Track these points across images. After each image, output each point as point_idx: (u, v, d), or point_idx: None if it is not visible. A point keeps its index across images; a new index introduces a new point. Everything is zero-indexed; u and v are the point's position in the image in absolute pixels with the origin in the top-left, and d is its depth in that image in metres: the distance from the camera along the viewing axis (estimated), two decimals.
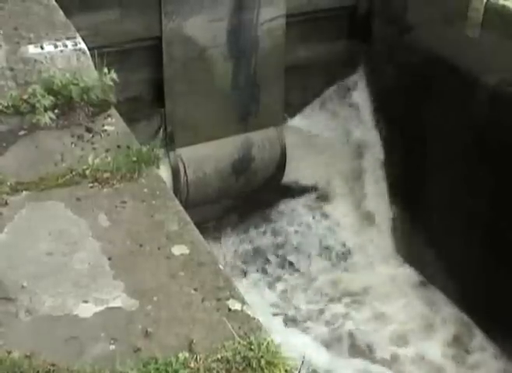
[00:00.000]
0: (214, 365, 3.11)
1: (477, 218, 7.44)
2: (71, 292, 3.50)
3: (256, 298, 7.63)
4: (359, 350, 7.69)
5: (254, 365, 3.08)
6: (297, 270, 8.46)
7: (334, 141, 9.00)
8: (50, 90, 4.96)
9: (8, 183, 4.24)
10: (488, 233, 7.36)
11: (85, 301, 3.46)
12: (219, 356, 3.15)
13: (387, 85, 8.44)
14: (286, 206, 8.99)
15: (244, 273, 8.37)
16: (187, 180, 8.21)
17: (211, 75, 8.07)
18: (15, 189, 4.21)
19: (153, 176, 4.46)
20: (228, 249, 8.61)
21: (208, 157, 8.36)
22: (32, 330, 3.30)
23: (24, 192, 4.21)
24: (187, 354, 3.15)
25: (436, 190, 7.90)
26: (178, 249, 3.82)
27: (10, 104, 4.93)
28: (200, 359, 3.13)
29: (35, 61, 5.33)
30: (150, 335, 3.28)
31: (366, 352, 7.66)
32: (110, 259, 3.73)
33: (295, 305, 8.04)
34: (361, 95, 8.80)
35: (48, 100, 4.88)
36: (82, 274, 3.61)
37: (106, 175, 4.37)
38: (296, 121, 9.04)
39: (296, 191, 9.09)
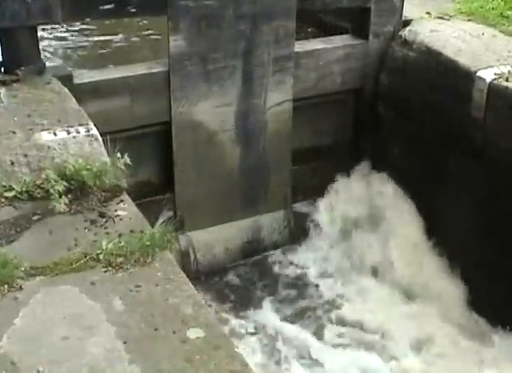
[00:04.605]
0: None
1: None
2: None
3: None
4: None
5: None
6: None
7: None
8: (63, 175, 5.03)
9: (23, 268, 4.26)
10: None
11: None
12: None
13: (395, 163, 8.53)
14: None
15: None
16: (197, 264, 8.22)
17: (219, 159, 8.14)
18: (29, 274, 4.23)
19: (167, 259, 4.47)
20: None
21: (217, 240, 8.38)
22: None
23: (38, 277, 4.22)
24: None
25: None
26: (193, 333, 3.81)
27: (24, 190, 4.99)
28: None
29: (48, 147, 5.41)
30: None
31: None
32: (125, 343, 3.72)
33: None
34: None
35: (61, 185, 4.93)
36: (98, 359, 3.59)
37: (119, 259, 4.39)
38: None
39: None
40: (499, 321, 7.37)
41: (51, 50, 10.70)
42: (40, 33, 7.08)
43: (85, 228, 4.71)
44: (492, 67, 7.42)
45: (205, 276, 8.29)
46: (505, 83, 7.15)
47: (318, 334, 7.77)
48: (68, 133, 5.60)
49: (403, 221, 8.42)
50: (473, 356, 7.37)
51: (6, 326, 3.82)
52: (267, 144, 8.37)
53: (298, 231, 8.92)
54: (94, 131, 5.68)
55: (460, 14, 8.92)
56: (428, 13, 8.87)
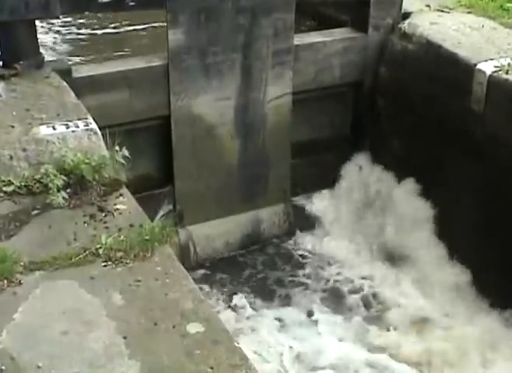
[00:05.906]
0: None
1: None
2: (88, 372, 3.47)
3: None
4: None
5: None
6: None
7: None
8: (62, 170, 5.02)
9: (22, 263, 4.26)
10: None
11: None
12: None
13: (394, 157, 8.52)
14: None
15: None
16: (196, 258, 8.22)
17: (219, 153, 8.13)
18: (28, 269, 4.23)
19: (166, 254, 4.47)
20: None
21: (217, 234, 8.37)
22: None
23: (38, 271, 4.22)
24: None
25: None
26: (193, 327, 3.81)
27: (23, 184, 4.99)
28: None
29: (47, 141, 5.40)
30: None
31: None
32: (125, 338, 3.71)
33: None
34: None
35: (60, 180, 4.92)
36: (98, 354, 3.59)
37: (119, 254, 4.39)
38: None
39: None
40: None
41: None
42: None
43: (84, 223, 4.71)
44: (492, 59, 7.40)
45: (204, 270, 8.28)
46: (505, 76, 7.13)
47: None
48: (67, 127, 5.59)
49: (401, 215, 8.43)
50: None
51: (5, 321, 3.82)
52: (266, 138, 8.35)
53: (297, 225, 8.91)
54: (93, 125, 5.67)
55: (460, 6, 8.90)
56: (428, 6, 8.85)
